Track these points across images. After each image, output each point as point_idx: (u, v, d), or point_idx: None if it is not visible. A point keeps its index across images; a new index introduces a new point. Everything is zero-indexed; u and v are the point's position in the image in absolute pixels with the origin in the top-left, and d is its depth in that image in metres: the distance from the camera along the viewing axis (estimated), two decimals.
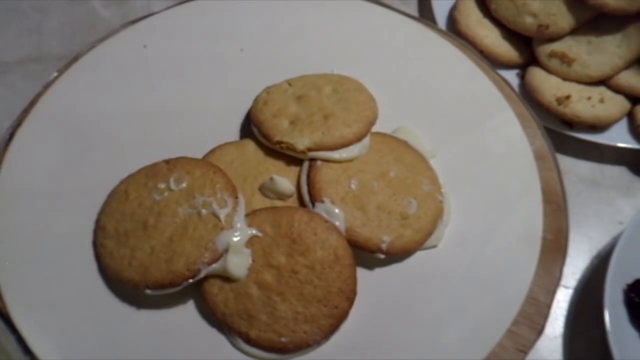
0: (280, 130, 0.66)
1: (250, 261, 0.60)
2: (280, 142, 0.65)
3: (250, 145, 0.69)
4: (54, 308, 0.61)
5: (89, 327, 0.60)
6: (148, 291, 0.59)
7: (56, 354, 0.58)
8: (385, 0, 0.85)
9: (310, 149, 0.64)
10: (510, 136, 0.71)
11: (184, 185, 0.63)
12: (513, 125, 0.72)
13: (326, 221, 0.61)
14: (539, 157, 0.70)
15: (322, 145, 0.64)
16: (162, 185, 0.63)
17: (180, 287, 0.59)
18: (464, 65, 0.77)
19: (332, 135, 0.65)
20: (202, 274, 0.59)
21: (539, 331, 0.61)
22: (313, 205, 0.63)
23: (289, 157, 0.67)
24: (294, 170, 0.66)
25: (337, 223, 0.61)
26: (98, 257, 0.63)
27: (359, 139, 0.66)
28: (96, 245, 0.64)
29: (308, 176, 0.64)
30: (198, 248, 0.59)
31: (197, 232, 0.60)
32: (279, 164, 0.67)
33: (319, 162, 0.65)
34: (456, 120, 0.72)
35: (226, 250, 0.59)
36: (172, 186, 0.63)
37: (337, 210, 0.62)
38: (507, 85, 0.75)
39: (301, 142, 0.64)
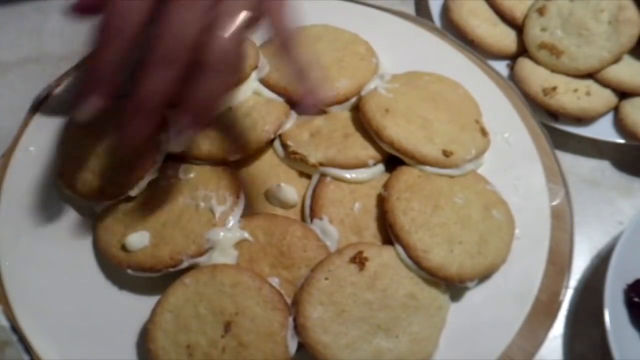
0: (299, 141, 0.66)
1: (235, 263, 0.60)
2: (294, 153, 0.65)
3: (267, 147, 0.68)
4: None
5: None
6: (130, 271, 0.60)
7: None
8: None
9: (321, 164, 0.64)
10: (531, 189, 0.69)
11: (191, 175, 0.64)
12: (537, 179, 0.70)
13: (319, 240, 0.61)
14: (556, 215, 0.67)
15: (335, 162, 0.64)
16: (171, 172, 0.64)
17: (161, 273, 0.59)
18: (504, 109, 0.75)
19: (347, 154, 0.64)
20: (183, 265, 0.59)
21: None
22: (311, 220, 0.63)
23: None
24: (303, 182, 0.66)
25: (328, 243, 0.61)
26: (94, 230, 0.64)
27: (374, 162, 0.65)
28: (96, 217, 0.65)
29: (314, 190, 0.64)
30: (186, 239, 0.59)
31: (189, 223, 0.60)
32: (291, 173, 0.67)
33: (328, 179, 0.64)
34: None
35: (213, 247, 0.60)
36: (180, 174, 0.64)
37: (332, 230, 0.61)
38: (543, 135, 0.73)
39: (314, 155, 0.64)
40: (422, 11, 0.95)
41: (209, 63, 0.39)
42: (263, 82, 0.70)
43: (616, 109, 0.82)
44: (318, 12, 0.80)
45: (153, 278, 0.60)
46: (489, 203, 0.64)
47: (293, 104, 0.69)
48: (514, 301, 0.62)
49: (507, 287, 0.63)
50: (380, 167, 0.66)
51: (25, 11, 0.96)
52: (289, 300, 0.57)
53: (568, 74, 0.82)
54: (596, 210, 0.80)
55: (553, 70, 0.83)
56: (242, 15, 0.43)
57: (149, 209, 0.62)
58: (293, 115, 0.69)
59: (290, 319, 0.56)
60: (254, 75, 0.70)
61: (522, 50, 0.86)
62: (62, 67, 0.78)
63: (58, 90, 0.74)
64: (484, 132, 0.69)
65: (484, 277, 0.62)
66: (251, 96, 0.69)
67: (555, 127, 0.81)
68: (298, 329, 0.55)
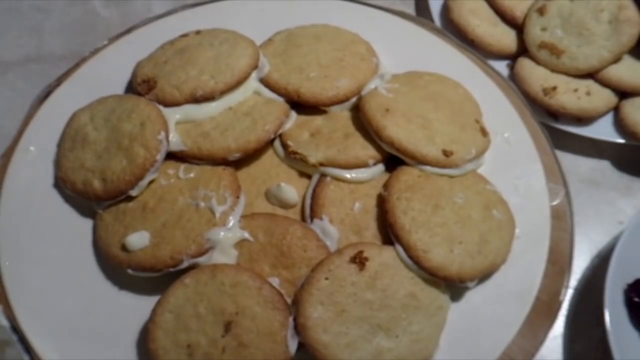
0: (299, 140, 0.66)
1: (235, 263, 0.60)
2: (294, 153, 0.65)
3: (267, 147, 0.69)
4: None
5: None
6: (130, 271, 0.60)
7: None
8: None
9: (322, 164, 0.64)
10: (531, 189, 0.69)
11: (192, 175, 0.64)
12: (538, 179, 0.70)
13: (319, 239, 0.61)
14: (556, 215, 0.67)
15: (335, 162, 0.64)
16: (171, 171, 0.65)
17: (161, 273, 0.59)
18: (504, 108, 0.75)
19: (347, 154, 0.65)
20: (184, 265, 0.59)
21: None
22: (311, 220, 0.63)
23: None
24: (303, 182, 0.67)
25: (328, 243, 0.61)
26: (94, 230, 0.64)
27: (374, 162, 0.65)
28: (96, 217, 0.65)
29: (314, 190, 0.64)
30: (186, 239, 0.59)
31: (190, 223, 0.60)
32: (291, 173, 0.67)
33: (328, 179, 0.64)
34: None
35: (213, 247, 0.60)
36: (181, 174, 0.64)
37: (332, 230, 0.61)
38: (543, 135, 0.73)
39: (314, 155, 0.64)
40: (422, 11, 0.95)
41: None
42: (263, 82, 0.70)
43: (616, 109, 0.82)
44: (318, 12, 0.80)
45: (153, 278, 0.60)
46: (489, 203, 0.64)
47: (293, 103, 0.69)
48: (514, 301, 0.62)
49: (507, 287, 0.63)
50: (380, 167, 0.66)
51: (26, 10, 0.96)
52: (289, 300, 0.57)
53: (568, 73, 0.83)
54: (596, 210, 0.80)
55: (553, 70, 0.83)
56: None
57: (149, 209, 0.62)
58: (293, 115, 0.69)
59: (291, 318, 0.56)
60: (254, 75, 0.70)
61: (522, 50, 0.86)
62: (62, 67, 0.78)
63: (58, 90, 0.74)
64: (484, 132, 0.69)
65: (484, 276, 0.62)
66: (251, 96, 0.69)
67: (555, 127, 0.81)
68: (298, 328, 0.55)
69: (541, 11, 0.84)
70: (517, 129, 0.73)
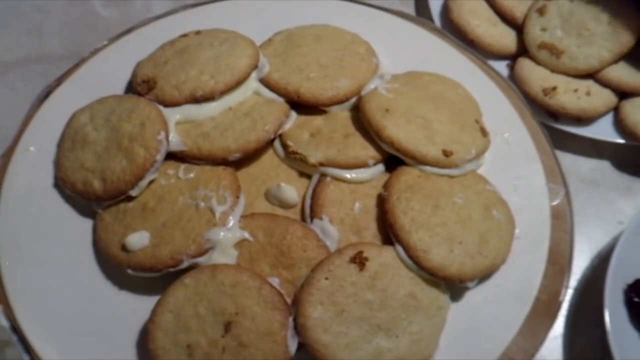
0: (299, 140, 0.67)
1: (235, 263, 0.60)
2: (294, 153, 0.65)
3: (267, 147, 0.69)
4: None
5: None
6: (130, 271, 0.60)
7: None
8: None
9: (322, 164, 0.64)
10: (531, 189, 0.69)
11: (191, 175, 0.64)
12: (537, 179, 0.70)
13: (319, 239, 0.61)
14: (556, 215, 0.67)
15: (335, 162, 0.64)
16: (171, 172, 0.65)
17: (160, 273, 0.59)
18: (504, 109, 0.75)
19: (347, 154, 0.65)
20: (184, 265, 0.59)
21: None
22: (311, 220, 0.63)
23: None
24: (303, 182, 0.67)
25: (328, 243, 0.61)
26: (94, 230, 0.64)
27: (374, 162, 0.65)
28: (96, 217, 0.65)
29: (314, 190, 0.64)
30: (186, 239, 0.59)
31: (190, 223, 0.60)
32: (291, 173, 0.67)
33: (328, 179, 0.64)
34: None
35: (213, 247, 0.60)
36: (181, 174, 0.64)
37: (332, 230, 0.61)
38: (543, 135, 0.73)
39: (314, 155, 0.64)
40: (422, 11, 0.95)
41: None
42: (263, 82, 0.70)
43: (616, 109, 0.82)
44: (318, 12, 0.80)
45: (153, 278, 0.60)
46: (489, 203, 0.64)
47: (293, 103, 0.69)
48: (514, 301, 0.62)
49: (507, 287, 0.63)
50: (380, 167, 0.66)
51: (25, 11, 0.96)
52: (289, 300, 0.57)
53: (568, 74, 0.83)
54: (596, 210, 0.80)
55: (553, 70, 0.83)
56: None
57: (149, 209, 0.62)
58: (293, 115, 0.69)
59: (291, 318, 0.56)
60: (254, 75, 0.70)
61: (522, 50, 0.86)
62: (62, 67, 0.78)
63: (58, 90, 0.74)
64: (484, 132, 0.69)
65: (484, 277, 0.62)
66: (251, 96, 0.69)
67: (555, 127, 0.81)
68: (298, 328, 0.55)
69: (541, 11, 0.84)
70: (517, 129, 0.73)
